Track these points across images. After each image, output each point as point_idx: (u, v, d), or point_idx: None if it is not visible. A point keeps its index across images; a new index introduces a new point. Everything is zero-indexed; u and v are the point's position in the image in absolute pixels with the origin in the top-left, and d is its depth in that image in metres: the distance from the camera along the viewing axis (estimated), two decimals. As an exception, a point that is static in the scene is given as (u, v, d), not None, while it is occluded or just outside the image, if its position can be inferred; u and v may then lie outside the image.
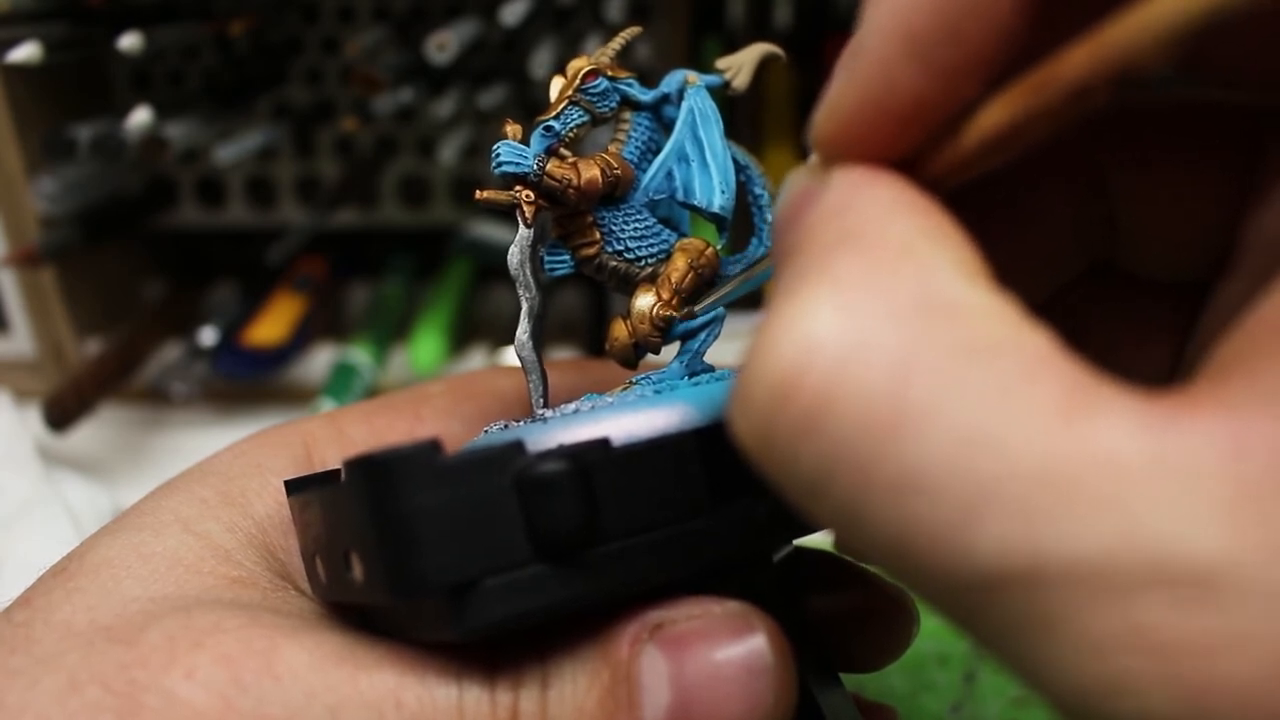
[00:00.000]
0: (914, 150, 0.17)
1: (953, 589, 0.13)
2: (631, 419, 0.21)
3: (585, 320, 0.58)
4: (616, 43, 0.26)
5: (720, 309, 0.26)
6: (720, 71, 0.27)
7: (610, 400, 0.23)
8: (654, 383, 0.24)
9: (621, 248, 0.25)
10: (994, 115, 0.16)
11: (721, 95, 0.26)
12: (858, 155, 0.17)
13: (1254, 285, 0.17)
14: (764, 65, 0.27)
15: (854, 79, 0.16)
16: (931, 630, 0.39)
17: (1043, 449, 0.13)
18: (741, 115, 0.57)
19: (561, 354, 0.56)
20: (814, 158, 0.18)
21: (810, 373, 0.14)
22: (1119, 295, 0.22)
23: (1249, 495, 0.12)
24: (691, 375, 0.25)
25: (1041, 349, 0.14)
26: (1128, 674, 0.12)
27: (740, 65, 0.27)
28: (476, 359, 0.56)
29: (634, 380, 0.25)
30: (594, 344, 0.56)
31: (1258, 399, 0.13)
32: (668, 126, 0.26)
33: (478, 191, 0.24)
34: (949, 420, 0.13)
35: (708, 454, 0.21)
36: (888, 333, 0.14)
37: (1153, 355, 0.22)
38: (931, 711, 0.36)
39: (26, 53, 0.43)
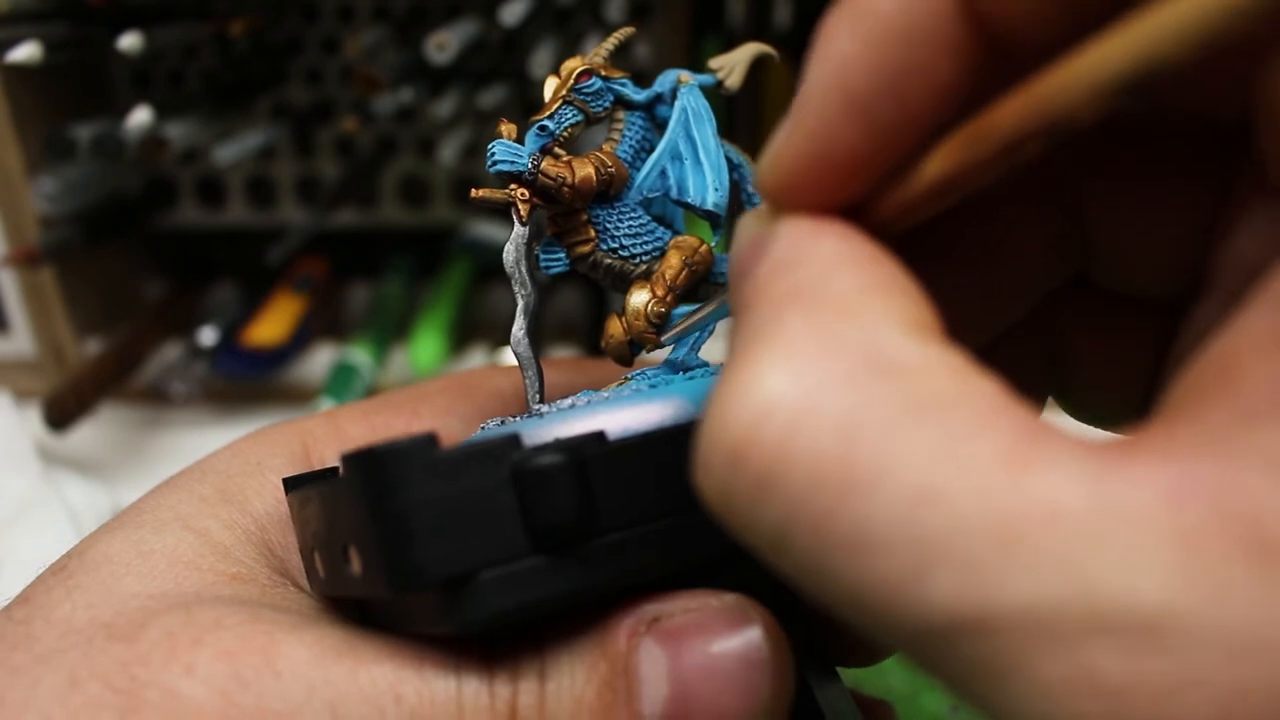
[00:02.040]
0: (859, 197, 0.17)
1: (908, 638, 0.14)
2: (627, 413, 0.21)
3: (584, 320, 0.58)
4: (610, 43, 0.26)
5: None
6: (713, 71, 0.27)
7: (606, 395, 0.23)
8: (649, 378, 0.24)
9: (616, 245, 0.25)
10: (935, 165, 0.16)
11: (715, 95, 0.27)
12: (803, 203, 0.17)
13: (1221, 312, 0.17)
14: (757, 65, 0.27)
15: (795, 132, 0.17)
16: (931, 629, 0.39)
17: (987, 503, 0.13)
18: (740, 116, 0.57)
19: (560, 353, 0.56)
20: (763, 204, 0.18)
21: (762, 436, 0.14)
22: (1099, 309, 0.22)
23: (1190, 542, 0.12)
24: (685, 370, 0.25)
25: (988, 400, 0.14)
26: (1079, 717, 0.12)
27: (733, 65, 0.27)
28: (476, 359, 0.56)
29: (629, 377, 0.25)
30: (592, 343, 0.56)
31: (1201, 443, 0.13)
32: (661, 126, 0.26)
33: (473, 190, 0.24)
34: (896, 479, 0.13)
35: None
36: (834, 394, 0.14)
37: (1134, 368, 0.22)
38: (931, 711, 0.36)
39: (26, 53, 0.43)
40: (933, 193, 0.16)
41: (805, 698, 0.23)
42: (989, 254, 0.21)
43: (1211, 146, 0.19)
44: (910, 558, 0.13)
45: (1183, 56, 0.13)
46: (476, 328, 0.60)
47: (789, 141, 0.17)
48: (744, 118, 0.57)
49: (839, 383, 0.14)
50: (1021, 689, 0.13)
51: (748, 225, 0.18)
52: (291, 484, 0.23)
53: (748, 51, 0.27)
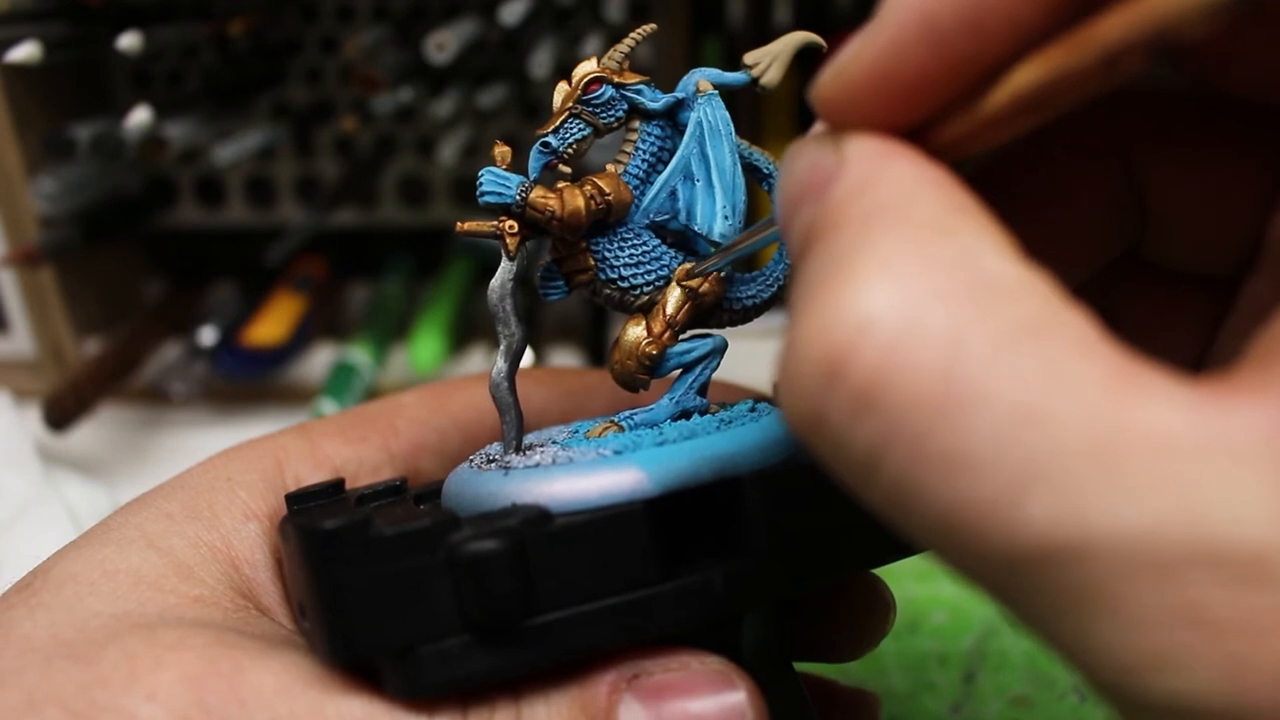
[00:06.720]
0: (913, 124, 0.17)
1: (1000, 565, 0.14)
2: (585, 481, 0.21)
3: (584, 320, 0.58)
4: (626, 44, 0.24)
5: (720, 339, 0.25)
6: (748, 67, 0.24)
7: (571, 455, 0.22)
8: (633, 426, 0.24)
9: (615, 276, 0.24)
10: (1028, 74, 0.16)
11: (749, 94, 0.25)
12: (860, 121, 0.17)
13: (1278, 285, 0.17)
14: (801, 58, 0.24)
15: (867, 48, 0.16)
16: (931, 630, 0.39)
17: (1092, 426, 0.13)
18: (741, 115, 0.57)
19: (561, 355, 0.56)
20: (816, 129, 0.18)
21: (863, 351, 0.14)
22: (1148, 284, 0.22)
23: None
24: (681, 415, 0.24)
25: (1082, 327, 0.14)
26: (1174, 649, 0.12)
27: (772, 58, 0.24)
28: (476, 358, 0.56)
29: (614, 419, 0.24)
30: (593, 343, 0.56)
31: None
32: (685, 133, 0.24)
33: (458, 225, 0.23)
34: (1000, 399, 0.13)
35: (658, 524, 0.20)
36: (939, 312, 0.14)
37: (1179, 345, 0.22)
38: (931, 711, 0.36)
39: (26, 53, 0.43)
40: (1022, 103, 0.16)
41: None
42: (1048, 226, 0.21)
43: (1271, 129, 0.19)
44: (1010, 478, 0.13)
45: None
46: (476, 328, 0.60)
47: (858, 56, 0.16)
48: (744, 116, 0.57)
49: (942, 300, 0.14)
50: (1116, 619, 0.13)
51: (804, 152, 0.18)
52: (293, 500, 0.23)
53: (790, 42, 0.24)
